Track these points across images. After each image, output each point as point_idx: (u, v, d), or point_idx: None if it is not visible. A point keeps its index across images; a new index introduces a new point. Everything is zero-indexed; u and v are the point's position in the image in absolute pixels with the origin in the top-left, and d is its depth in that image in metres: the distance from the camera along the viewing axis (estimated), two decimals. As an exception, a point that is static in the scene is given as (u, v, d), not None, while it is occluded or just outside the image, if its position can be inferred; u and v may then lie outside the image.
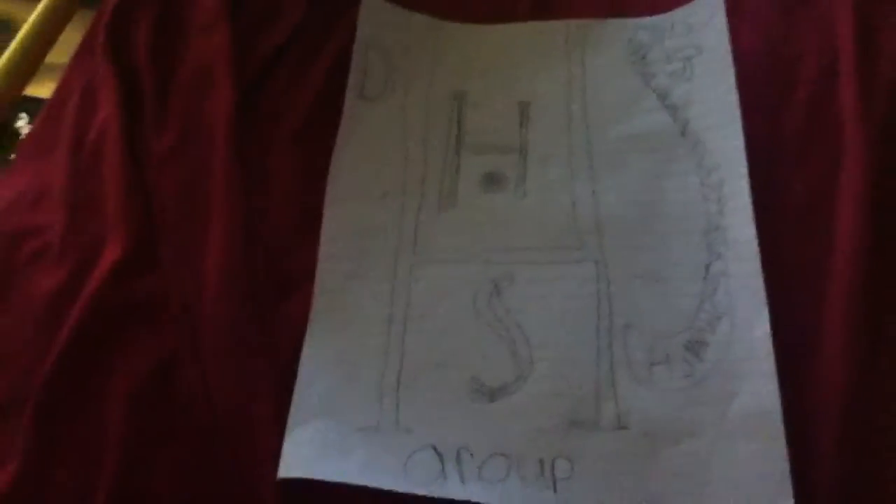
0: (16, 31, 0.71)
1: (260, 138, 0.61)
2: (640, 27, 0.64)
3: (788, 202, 0.54)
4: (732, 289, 0.52)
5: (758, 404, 0.47)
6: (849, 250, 0.51)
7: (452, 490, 0.48)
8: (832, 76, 0.58)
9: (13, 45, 0.71)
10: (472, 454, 0.49)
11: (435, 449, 0.49)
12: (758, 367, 0.48)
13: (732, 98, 0.57)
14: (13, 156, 0.72)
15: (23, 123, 0.85)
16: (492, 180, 0.59)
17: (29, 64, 0.71)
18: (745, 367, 0.49)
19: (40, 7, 0.72)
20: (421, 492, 0.47)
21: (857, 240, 0.51)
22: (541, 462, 0.48)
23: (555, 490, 0.47)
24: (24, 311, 0.55)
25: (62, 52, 0.73)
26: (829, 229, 0.53)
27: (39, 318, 0.54)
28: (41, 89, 0.77)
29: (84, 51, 0.69)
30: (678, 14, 0.63)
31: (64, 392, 0.52)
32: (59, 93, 0.67)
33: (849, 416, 0.47)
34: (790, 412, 0.47)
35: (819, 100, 0.58)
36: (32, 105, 0.79)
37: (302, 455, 0.49)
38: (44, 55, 0.72)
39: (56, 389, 0.52)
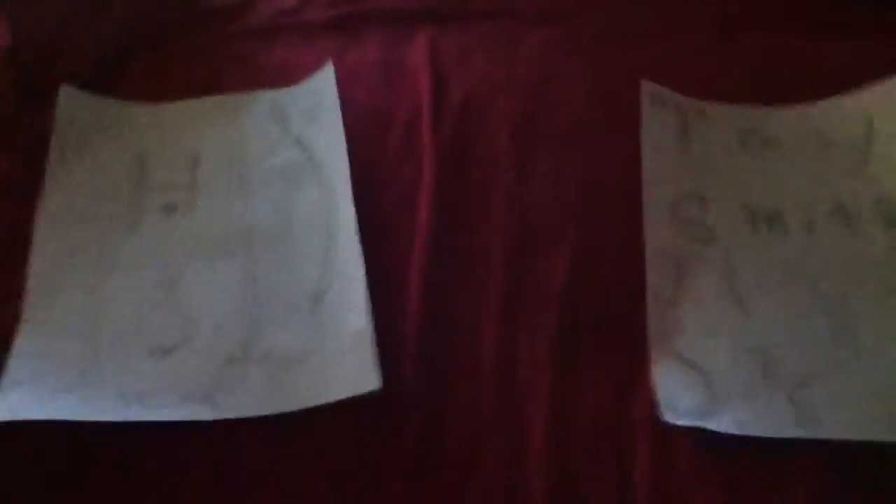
0: None
1: None
2: (282, 94, 0.86)
3: (383, 203, 0.77)
4: (342, 265, 0.72)
5: (359, 327, 0.67)
6: (423, 235, 0.74)
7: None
8: (417, 119, 0.83)
9: None
10: (152, 396, 0.64)
11: (122, 395, 0.64)
12: (359, 305, 0.68)
13: (342, 138, 0.79)
14: None
15: None
16: (168, 208, 0.77)
17: None
18: (351, 307, 0.69)
19: None
20: (105, 418, 0.62)
21: (429, 230, 0.75)
22: (206, 395, 0.64)
23: (216, 409, 0.63)
24: None
25: None
26: (413, 223, 0.75)
27: None
28: None
29: None
30: (305, 84, 0.86)
31: None
32: None
33: (423, 331, 0.69)
34: (384, 332, 0.67)
35: (408, 135, 0.82)
36: None
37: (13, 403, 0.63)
38: None
39: None
